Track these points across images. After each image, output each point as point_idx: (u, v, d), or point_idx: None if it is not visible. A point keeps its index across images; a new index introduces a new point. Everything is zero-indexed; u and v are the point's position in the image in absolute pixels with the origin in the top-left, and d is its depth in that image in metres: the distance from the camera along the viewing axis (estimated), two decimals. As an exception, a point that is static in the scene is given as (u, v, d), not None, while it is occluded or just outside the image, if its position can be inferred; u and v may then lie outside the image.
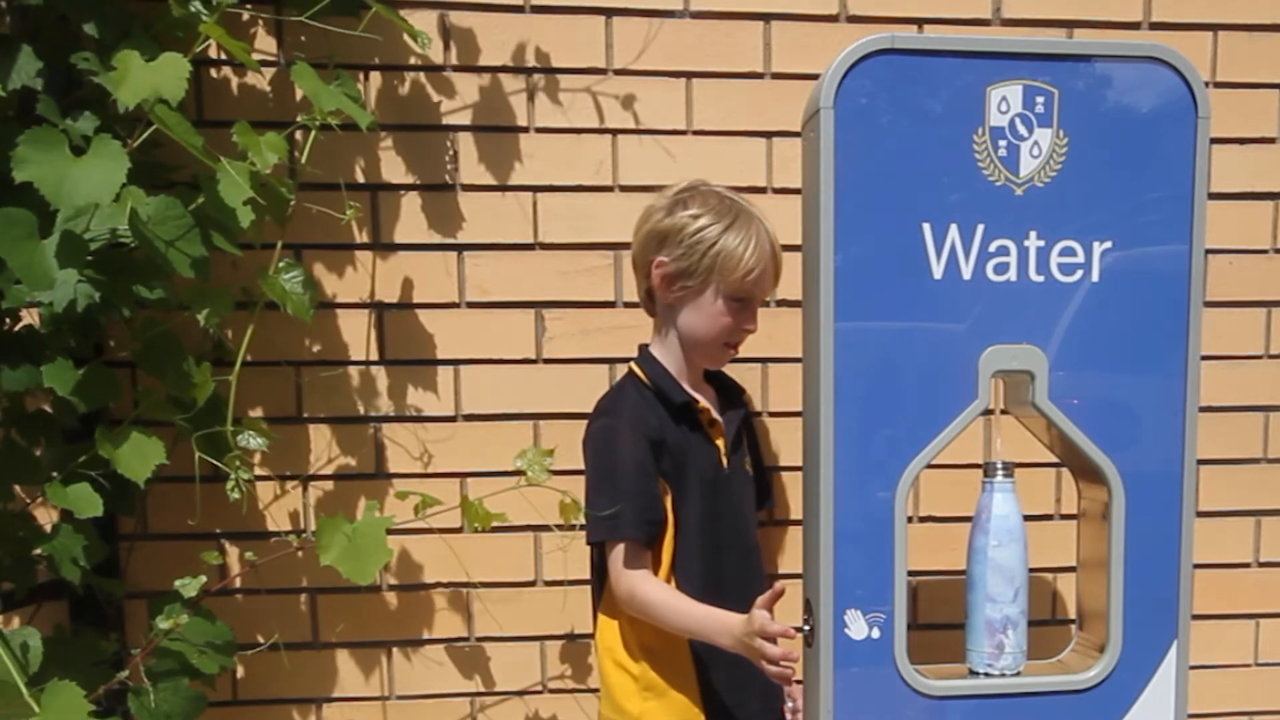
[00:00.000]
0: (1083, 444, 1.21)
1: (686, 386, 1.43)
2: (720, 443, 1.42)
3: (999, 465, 1.25)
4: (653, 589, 1.34)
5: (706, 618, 1.31)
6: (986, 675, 1.23)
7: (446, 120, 1.58)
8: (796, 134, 1.26)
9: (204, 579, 1.34)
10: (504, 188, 1.60)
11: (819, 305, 1.16)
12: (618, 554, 1.35)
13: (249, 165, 1.30)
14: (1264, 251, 1.71)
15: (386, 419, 1.61)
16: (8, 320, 1.34)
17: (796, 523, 1.32)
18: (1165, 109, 1.18)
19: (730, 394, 1.53)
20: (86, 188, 1.15)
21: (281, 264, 1.42)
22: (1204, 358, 1.23)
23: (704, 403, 1.42)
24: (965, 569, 1.26)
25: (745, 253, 1.36)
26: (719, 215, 1.37)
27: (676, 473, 1.38)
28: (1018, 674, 1.25)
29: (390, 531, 1.42)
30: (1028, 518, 1.72)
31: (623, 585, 1.35)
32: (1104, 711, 1.24)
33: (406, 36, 1.49)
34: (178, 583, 1.33)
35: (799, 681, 1.27)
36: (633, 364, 1.45)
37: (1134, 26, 1.66)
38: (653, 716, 1.38)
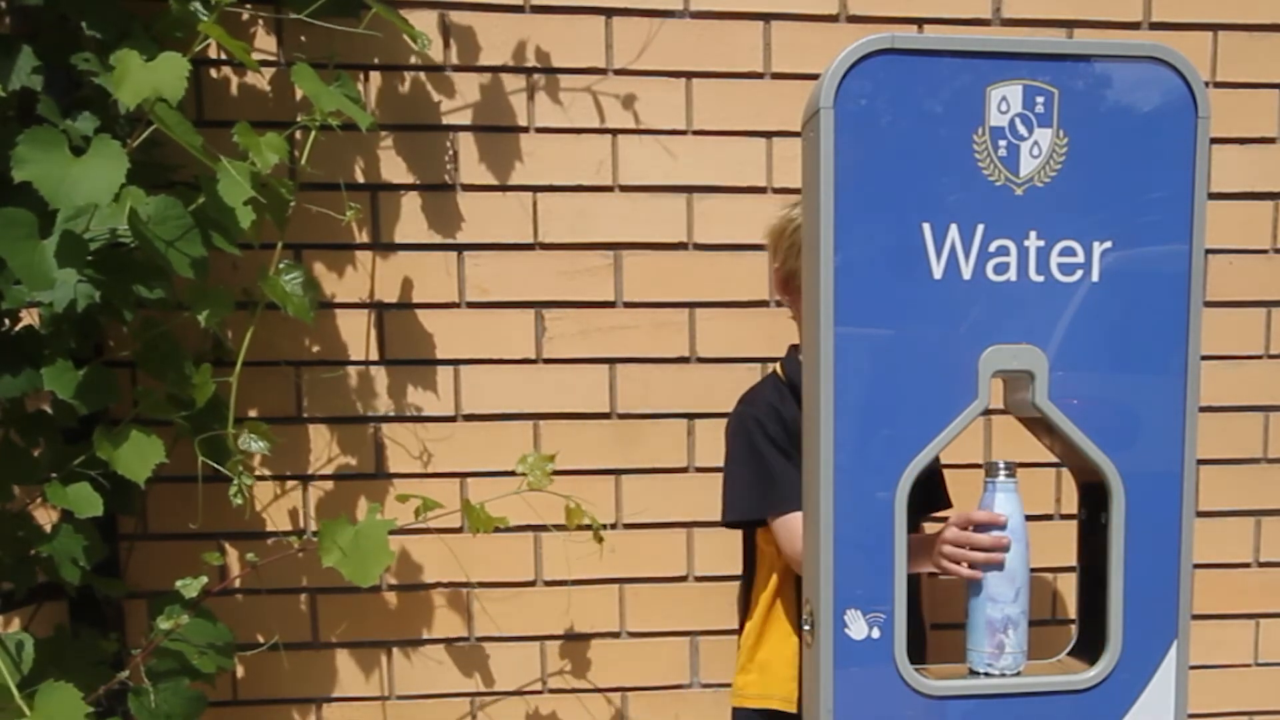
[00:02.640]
0: (1083, 444, 1.21)
1: None
2: None
3: (1001, 465, 1.25)
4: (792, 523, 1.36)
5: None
6: (987, 675, 1.23)
7: (446, 120, 1.58)
8: (796, 134, 1.26)
9: (205, 580, 1.34)
10: (504, 187, 1.60)
11: (819, 305, 1.16)
12: (782, 524, 1.39)
13: (249, 165, 1.30)
14: (1264, 251, 1.71)
15: (386, 419, 1.61)
16: (7, 321, 1.34)
17: (796, 523, 1.32)
18: (1165, 109, 1.18)
19: None
20: (86, 188, 1.15)
21: (281, 264, 1.42)
22: (1204, 358, 1.23)
23: None
24: None
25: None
26: (786, 214, 1.41)
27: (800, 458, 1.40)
28: (1018, 674, 1.25)
29: (391, 532, 1.42)
30: (1028, 517, 1.72)
31: (799, 545, 1.35)
32: (1104, 711, 1.24)
33: (406, 37, 1.49)
34: (179, 583, 1.34)
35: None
36: (778, 363, 1.50)
37: (1134, 26, 1.66)
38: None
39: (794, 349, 1.48)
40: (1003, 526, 1.22)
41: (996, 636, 1.22)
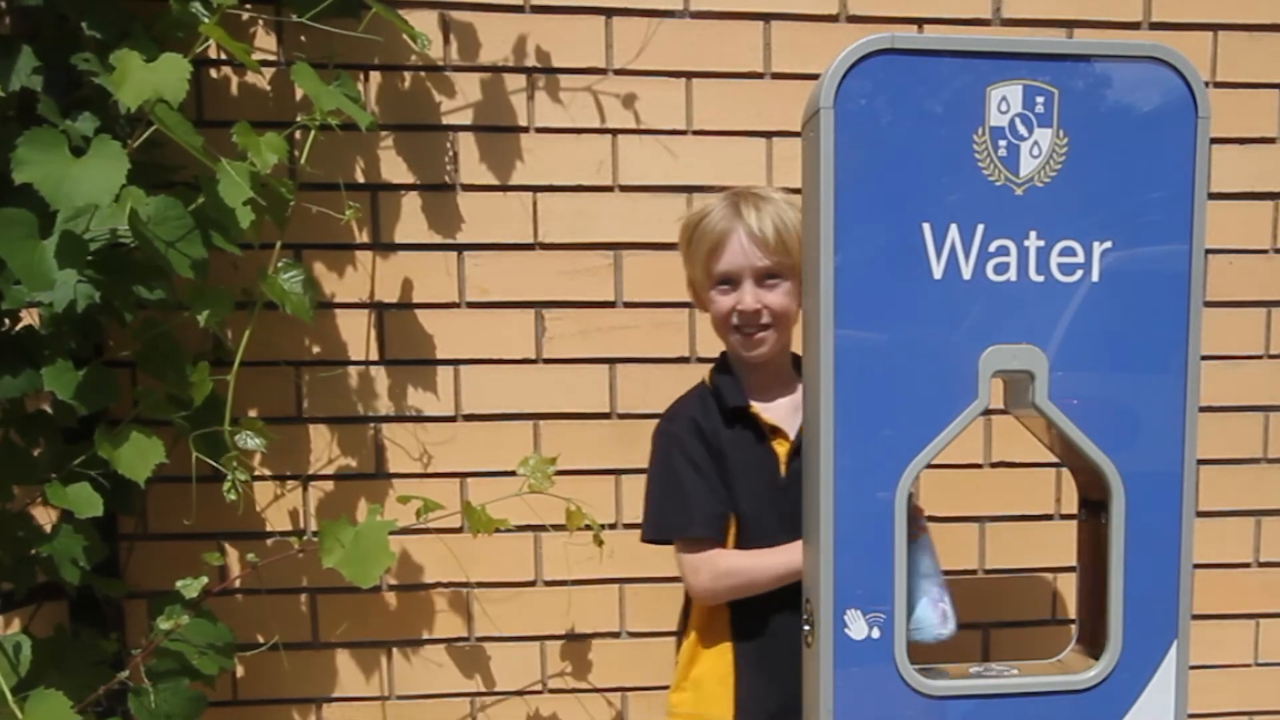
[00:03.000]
0: (1083, 444, 1.21)
1: (752, 390, 1.40)
2: (781, 450, 1.38)
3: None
4: (731, 556, 1.35)
5: (794, 559, 1.29)
6: (937, 639, 1.26)
7: (446, 120, 1.58)
8: (796, 134, 1.26)
9: (205, 580, 1.34)
10: (504, 187, 1.60)
11: (819, 305, 1.16)
12: (684, 557, 1.37)
13: (249, 165, 1.30)
14: (1264, 251, 1.71)
15: (386, 419, 1.61)
16: (7, 321, 1.34)
17: (796, 523, 1.32)
18: (1165, 109, 1.18)
19: None
20: (86, 188, 1.15)
21: (281, 264, 1.42)
22: (1204, 358, 1.23)
23: (760, 408, 1.39)
24: None
25: (706, 230, 1.36)
26: (700, 209, 1.38)
27: (730, 477, 1.37)
28: (1015, 674, 1.26)
29: (391, 532, 1.42)
30: (1028, 517, 1.73)
31: (701, 574, 1.35)
32: (1104, 711, 1.24)
33: (406, 37, 1.49)
34: (179, 583, 1.34)
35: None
36: (708, 371, 1.47)
37: (1134, 26, 1.66)
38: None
39: (724, 355, 1.44)
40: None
41: (940, 607, 1.26)
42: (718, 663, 1.38)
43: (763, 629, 1.36)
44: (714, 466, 1.36)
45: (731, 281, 1.36)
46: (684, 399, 1.44)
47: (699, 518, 1.35)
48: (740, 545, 1.37)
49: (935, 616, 1.26)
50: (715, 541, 1.36)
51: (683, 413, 1.41)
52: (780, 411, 1.40)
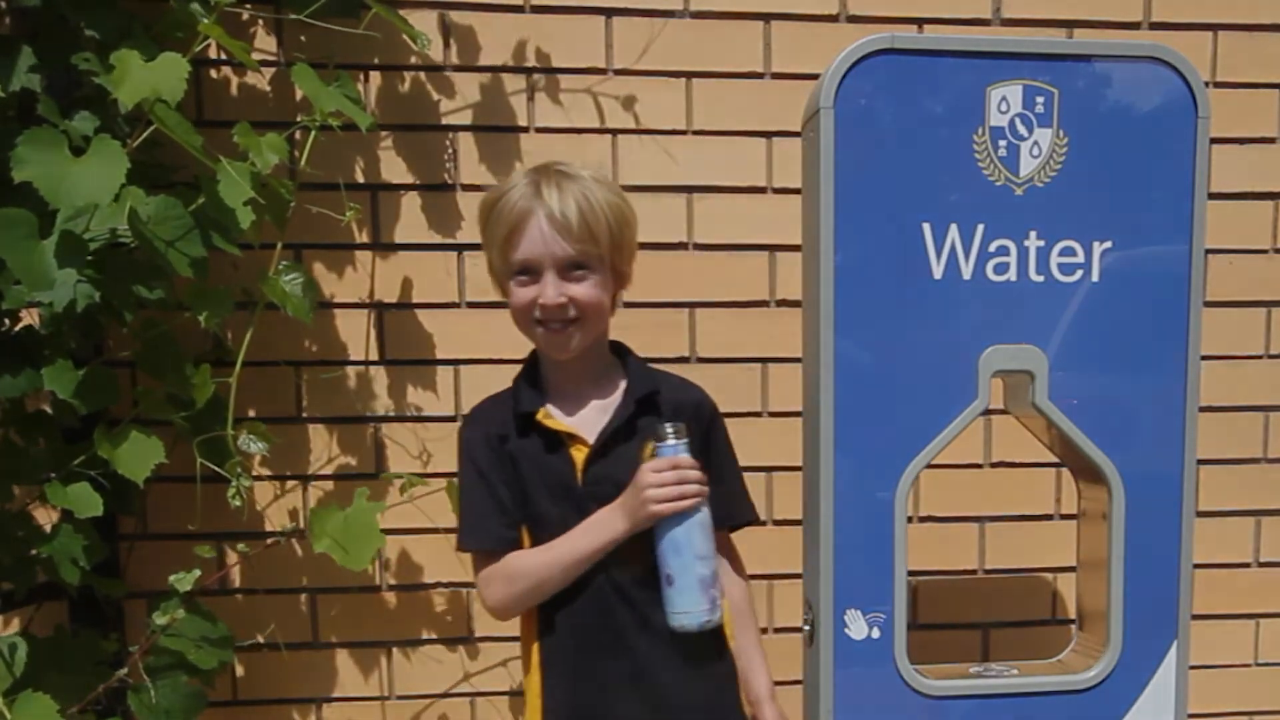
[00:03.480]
0: (1083, 444, 1.21)
1: (557, 391, 1.27)
2: (579, 456, 1.23)
3: (668, 428, 1.18)
4: (514, 559, 1.24)
5: (585, 529, 1.20)
6: (704, 627, 1.18)
7: (446, 120, 1.58)
8: (796, 134, 1.26)
9: (198, 573, 1.34)
10: (504, 188, 1.60)
11: (819, 305, 1.16)
12: (479, 567, 1.27)
13: (249, 165, 1.30)
14: (1264, 251, 1.71)
15: (386, 419, 1.61)
16: (7, 321, 1.34)
17: (796, 523, 1.32)
18: (1165, 109, 1.18)
19: (650, 401, 1.26)
20: (86, 188, 1.15)
21: (281, 265, 1.42)
22: (1204, 358, 1.23)
23: (554, 414, 1.25)
24: (659, 537, 1.19)
25: (503, 211, 1.20)
26: (501, 185, 1.24)
27: (526, 484, 1.24)
28: (1015, 674, 1.26)
29: (390, 531, 1.42)
30: (1028, 517, 1.73)
31: (493, 585, 1.25)
32: (1104, 711, 1.24)
33: (406, 37, 1.49)
34: (172, 578, 1.34)
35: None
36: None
37: (1134, 26, 1.66)
38: None
39: (534, 352, 1.30)
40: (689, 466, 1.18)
41: (709, 592, 1.18)
42: (532, 679, 1.27)
43: (568, 641, 1.24)
44: (504, 474, 1.24)
45: (531, 271, 1.20)
46: (486, 400, 1.32)
47: (483, 532, 1.25)
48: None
49: (705, 603, 1.18)
50: (504, 555, 1.25)
51: (478, 417, 1.30)
52: (585, 414, 1.26)
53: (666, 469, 1.17)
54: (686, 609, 1.18)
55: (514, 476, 1.25)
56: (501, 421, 1.26)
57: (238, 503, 1.38)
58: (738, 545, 1.36)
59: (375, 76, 1.57)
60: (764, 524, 1.64)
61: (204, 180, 1.29)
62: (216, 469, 1.37)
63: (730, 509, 1.30)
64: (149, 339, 1.36)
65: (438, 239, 1.59)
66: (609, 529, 1.20)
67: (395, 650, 1.64)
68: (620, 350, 1.33)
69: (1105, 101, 1.17)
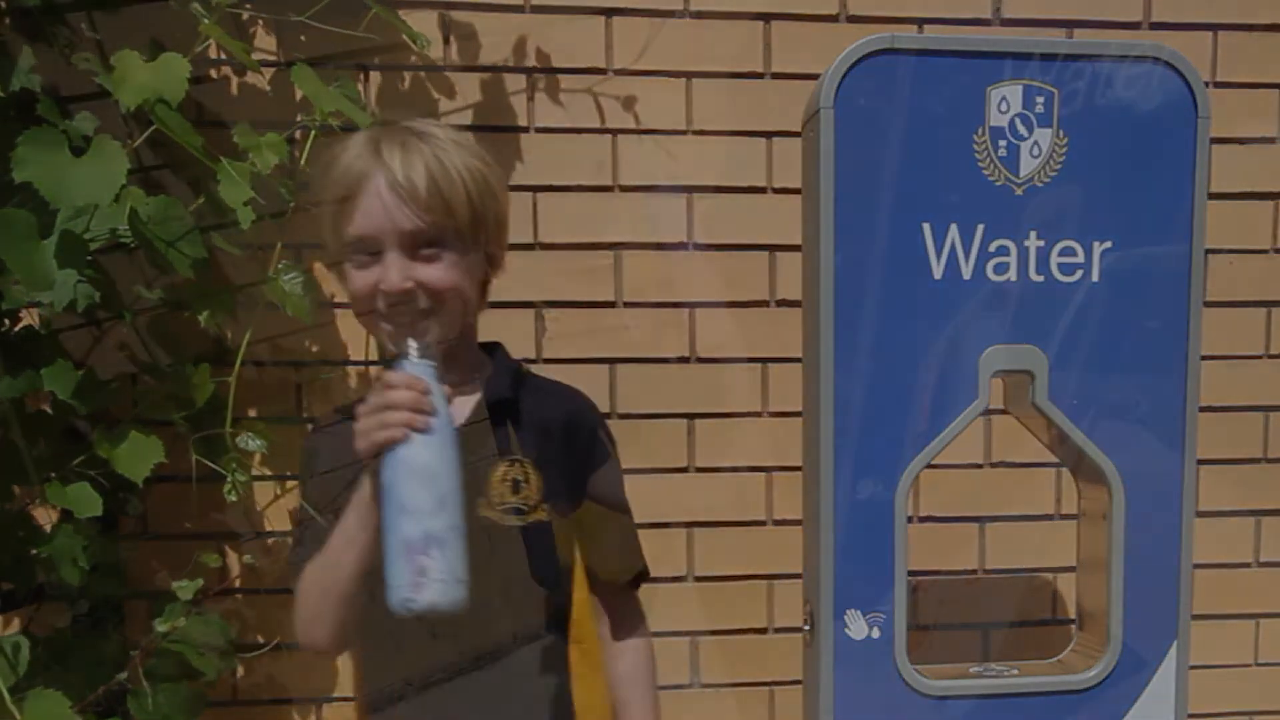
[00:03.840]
0: (1083, 444, 1.21)
1: None
2: None
3: (414, 345, 0.95)
4: (306, 572, 1.08)
5: (344, 522, 1.01)
6: (408, 609, 0.91)
7: (446, 120, 1.58)
8: (796, 134, 1.26)
9: (200, 582, 1.34)
10: (504, 188, 1.60)
11: (819, 305, 1.16)
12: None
13: (249, 165, 1.30)
14: (1264, 251, 1.71)
15: (386, 419, 1.61)
16: (7, 321, 1.34)
17: (796, 523, 1.32)
18: (1165, 109, 1.18)
19: (508, 408, 1.10)
20: (86, 188, 1.15)
21: (281, 265, 1.42)
22: (1204, 358, 1.23)
23: None
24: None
25: (337, 175, 1.02)
26: (328, 151, 1.04)
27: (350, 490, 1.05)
28: (1015, 674, 1.25)
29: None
30: (1028, 517, 1.72)
31: (299, 612, 1.11)
32: (1104, 711, 1.24)
33: (406, 37, 1.49)
34: (175, 585, 1.33)
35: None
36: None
37: (1134, 26, 1.66)
38: None
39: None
40: (423, 394, 0.93)
41: (416, 560, 0.89)
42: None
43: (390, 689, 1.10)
44: (335, 490, 1.07)
45: (371, 250, 1.01)
46: (338, 407, 1.19)
47: (301, 548, 1.12)
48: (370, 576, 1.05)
49: (407, 574, 0.89)
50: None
51: (320, 425, 1.18)
52: None
53: (380, 393, 0.93)
54: (390, 582, 0.91)
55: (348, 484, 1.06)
56: (346, 428, 1.01)
57: (233, 498, 1.38)
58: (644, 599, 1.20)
59: (375, 76, 1.57)
60: (764, 524, 1.64)
61: (204, 180, 1.29)
62: (215, 467, 1.37)
63: (611, 559, 1.13)
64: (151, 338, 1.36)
65: (438, 239, 1.59)
66: (360, 491, 0.99)
67: (395, 650, 1.64)
68: (493, 349, 1.16)
69: (1105, 101, 1.17)
